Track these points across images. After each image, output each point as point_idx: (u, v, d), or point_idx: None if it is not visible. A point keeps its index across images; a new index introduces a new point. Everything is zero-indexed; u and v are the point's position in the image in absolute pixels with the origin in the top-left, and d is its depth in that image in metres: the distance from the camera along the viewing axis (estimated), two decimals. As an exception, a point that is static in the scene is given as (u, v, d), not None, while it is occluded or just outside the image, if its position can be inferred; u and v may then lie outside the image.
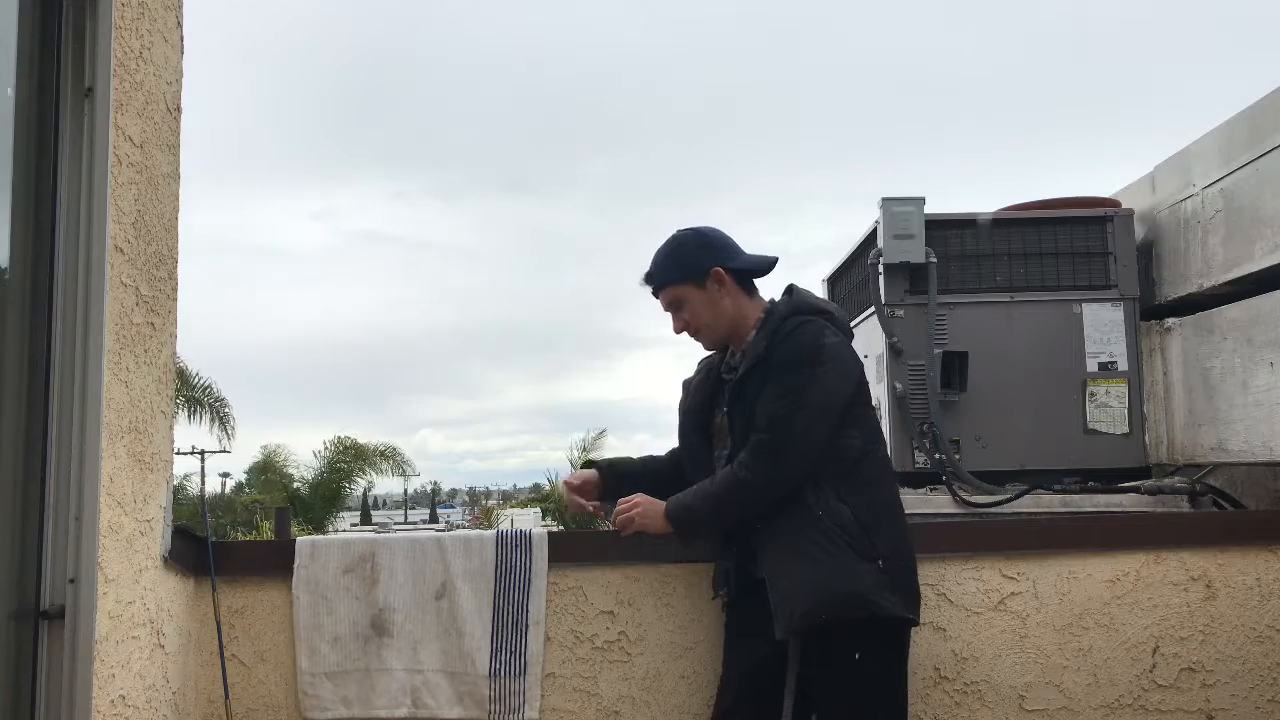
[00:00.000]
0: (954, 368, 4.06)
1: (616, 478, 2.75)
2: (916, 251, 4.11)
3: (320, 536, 2.87)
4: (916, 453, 4.11)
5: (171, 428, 2.42)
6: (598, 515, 2.76)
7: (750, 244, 2.65)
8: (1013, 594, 2.68)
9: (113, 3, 2.06)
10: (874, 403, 2.70)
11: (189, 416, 22.26)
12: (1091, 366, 4.12)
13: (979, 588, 2.68)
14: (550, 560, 2.65)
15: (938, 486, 4.04)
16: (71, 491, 1.97)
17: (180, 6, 2.46)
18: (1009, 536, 2.78)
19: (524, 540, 2.67)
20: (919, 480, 4.09)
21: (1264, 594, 2.70)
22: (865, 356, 4.22)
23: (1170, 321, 4.11)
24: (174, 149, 2.42)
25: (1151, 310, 4.22)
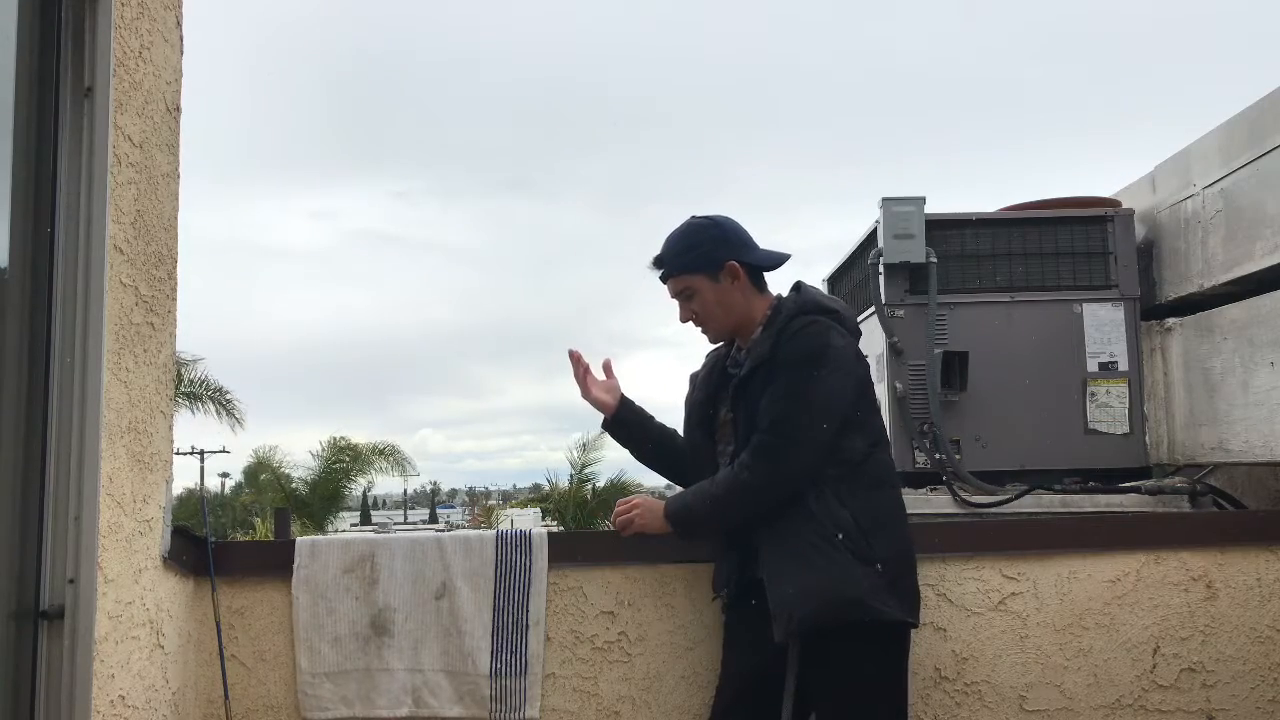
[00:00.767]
0: (954, 368, 4.06)
1: (632, 413, 2.75)
2: (917, 251, 4.10)
3: (320, 536, 2.87)
4: (917, 453, 4.10)
5: (171, 428, 2.42)
6: (584, 370, 2.75)
7: (750, 243, 2.62)
8: (1013, 594, 2.68)
9: (112, 2, 2.06)
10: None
11: (192, 411, 21.98)
12: (1092, 366, 4.12)
13: (979, 588, 2.68)
14: (550, 560, 2.65)
15: (938, 486, 4.03)
16: (71, 491, 1.97)
17: (180, 6, 2.46)
18: (1009, 536, 2.78)
19: (524, 540, 2.67)
20: (919, 480, 4.09)
21: (1264, 594, 2.70)
22: (866, 356, 4.22)
23: (1171, 321, 4.11)
24: (173, 148, 2.42)
25: (1152, 310, 4.22)
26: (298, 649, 2.61)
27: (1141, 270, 4.20)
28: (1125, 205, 4.29)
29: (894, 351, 4.14)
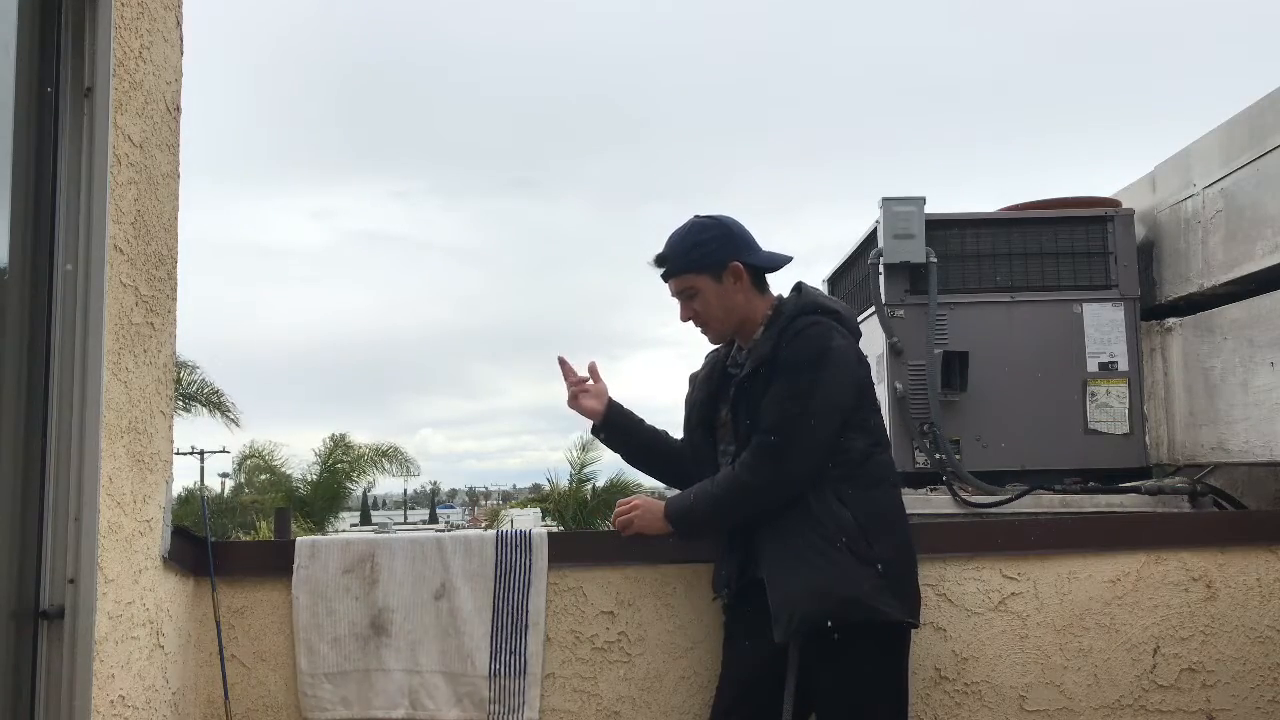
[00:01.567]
0: (954, 368, 4.06)
1: (621, 416, 2.73)
2: (917, 251, 4.11)
3: (320, 536, 2.87)
4: (917, 453, 4.10)
5: (171, 428, 2.42)
6: (572, 380, 2.73)
7: (750, 243, 2.62)
8: (1013, 594, 2.68)
9: (112, 2, 2.06)
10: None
11: (191, 412, 21.97)
12: (1092, 366, 4.12)
13: (979, 588, 2.68)
14: (550, 560, 2.65)
15: (938, 486, 4.04)
16: (71, 491, 1.96)
17: (180, 6, 2.46)
18: (1009, 536, 2.77)
19: (524, 540, 2.67)
20: (919, 480, 4.09)
21: (1265, 594, 2.70)
22: (866, 357, 4.22)
23: (1171, 321, 4.11)
24: (173, 148, 2.42)
25: (1152, 310, 4.22)
26: (297, 649, 2.61)
27: (1141, 270, 4.20)
28: (1125, 205, 4.29)
29: (894, 351, 4.14)
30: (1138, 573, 2.70)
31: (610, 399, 2.74)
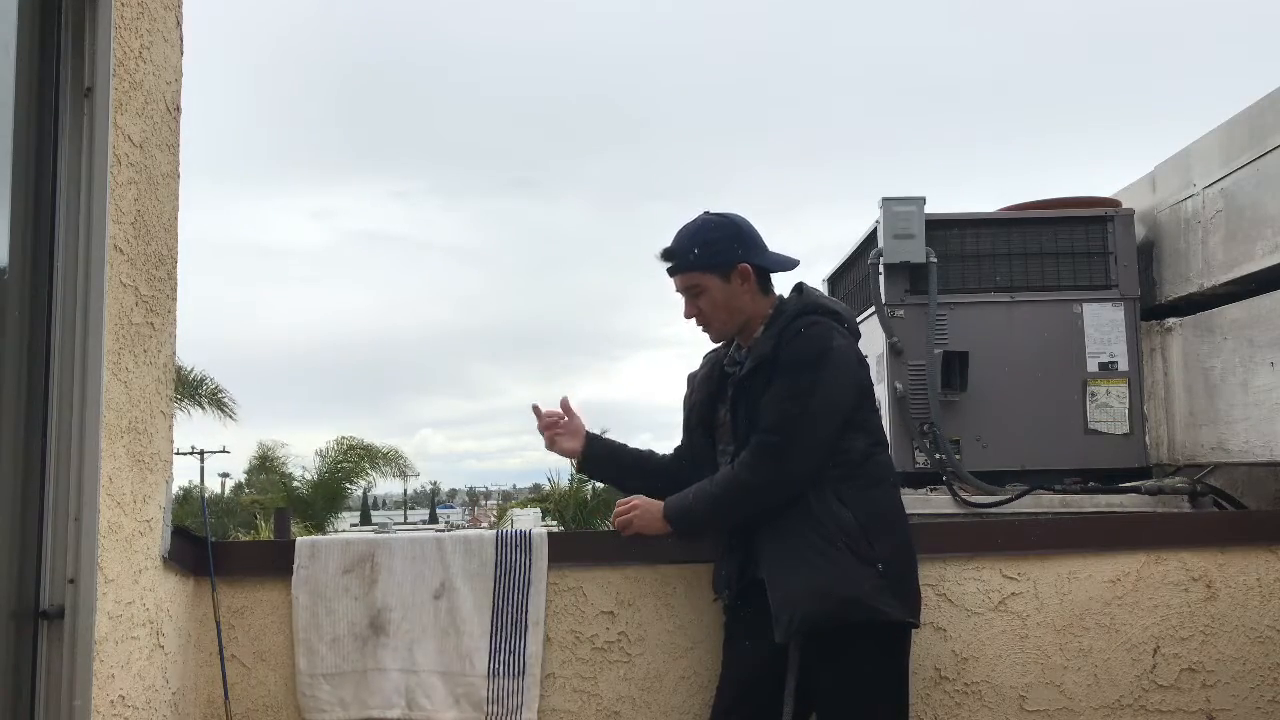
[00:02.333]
0: (954, 368, 4.06)
1: (603, 448, 2.72)
2: (917, 251, 4.11)
3: (320, 537, 2.87)
4: (917, 453, 4.10)
5: (171, 428, 2.41)
6: (545, 424, 2.71)
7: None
8: (1013, 594, 2.68)
9: (112, 2, 2.05)
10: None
11: (188, 413, 21.95)
12: (1092, 366, 4.12)
13: (979, 588, 2.68)
14: (550, 560, 2.65)
15: (938, 486, 4.04)
16: (71, 491, 1.96)
17: (180, 6, 2.46)
18: (1009, 536, 2.77)
19: (524, 540, 2.66)
20: (919, 480, 4.09)
21: (1265, 594, 2.69)
22: (866, 357, 4.23)
23: (1171, 321, 4.11)
24: (173, 148, 2.42)
25: (1152, 310, 4.22)
26: (297, 650, 2.61)
27: (1141, 270, 4.20)
28: (1125, 205, 4.29)
29: (894, 351, 4.14)
30: (1138, 573, 2.70)
31: (588, 433, 2.72)
